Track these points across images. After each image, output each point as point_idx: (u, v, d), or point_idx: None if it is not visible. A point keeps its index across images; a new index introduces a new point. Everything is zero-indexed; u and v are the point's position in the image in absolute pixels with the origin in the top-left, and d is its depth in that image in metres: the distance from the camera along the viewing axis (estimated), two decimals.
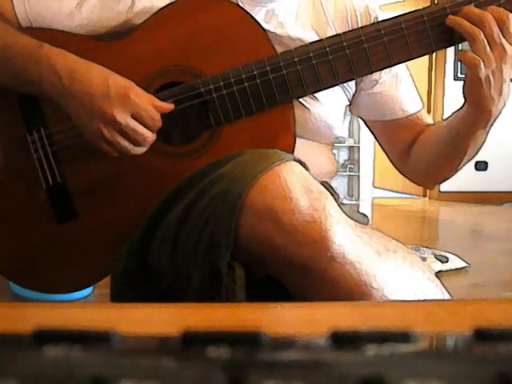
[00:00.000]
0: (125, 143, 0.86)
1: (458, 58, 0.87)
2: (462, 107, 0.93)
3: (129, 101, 0.84)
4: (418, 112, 1.04)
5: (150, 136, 0.87)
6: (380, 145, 1.11)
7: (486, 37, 0.84)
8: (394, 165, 1.10)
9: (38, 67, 0.86)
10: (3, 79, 0.91)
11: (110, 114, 0.84)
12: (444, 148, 0.98)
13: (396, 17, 0.90)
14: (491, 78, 0.85)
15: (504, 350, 0.20)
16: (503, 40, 0.84)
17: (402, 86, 1.03)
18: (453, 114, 0.96)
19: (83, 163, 0.93)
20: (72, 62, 0.87)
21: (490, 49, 0.84)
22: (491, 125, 0.92)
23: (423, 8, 0.90)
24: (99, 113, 0.84)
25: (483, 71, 0.84)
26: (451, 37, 0.89)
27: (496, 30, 0.84)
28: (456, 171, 1.01)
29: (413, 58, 0.91)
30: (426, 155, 1.02)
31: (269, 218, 0.69)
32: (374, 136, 1.10)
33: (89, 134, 0.87)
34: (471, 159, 0.99)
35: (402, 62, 0.93)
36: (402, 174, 1.11)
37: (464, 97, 0.90)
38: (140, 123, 0.86)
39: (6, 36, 0.90)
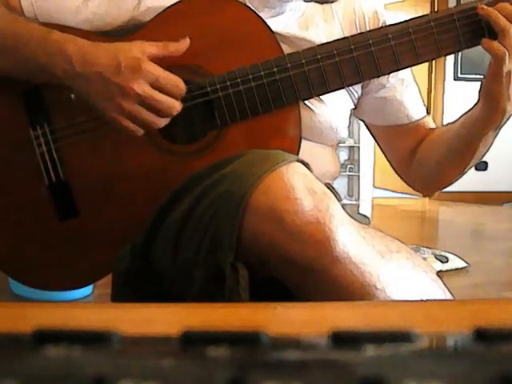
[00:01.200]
0: (149, 115, 0.83)
1: (483, 46, 0.87)
2: (473, 107, 0.93)
3: (142, 71, 0.82)
4: (422, 118, 1.04)
5: (176, 104, 0.84)
6: (381, 150, 1.11)
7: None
8: (395, 170, 1.10)
9: (48, 54, 0.86)
10: (14, 68, 0.90)
11: (128, 87, 0.82)
12: (453, 150, 0.98)
13: (404, 21, 0.90)
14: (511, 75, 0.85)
15: (504, 350, 0.20)
16: None
17: (408, 92, 1.03)
18: (462, 115, 0.96)
19: (86, 160, 0.93)
20: (82, 45, 0.86)
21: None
22: (501, 127, 0.92)
23: (430, 13, 0.90)
24: (116, 90, 0.82)
25: (507, 65, 0.84)
26: (458, 42, 0.89)
27: None
28: (461, 175, 1.01)
29: (420, 63, 0.91)
30: (433, 159, 1.02)
31: (272, 219, 0.69)
32: (376, 141, 1.10)
33: (110, 113, 0.84)
34: (477, 162, 0.99)
35: (409, 67, 0.93)
36: (403, 179, 1.10)
37: (480, 92, 0.90)
38: (162, 92, 0.83)
39: (15, 24, 0.89)
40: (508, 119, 0.91)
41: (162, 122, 0.85)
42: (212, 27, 0.92)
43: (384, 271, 0.71)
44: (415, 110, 1.04)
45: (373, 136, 1.11)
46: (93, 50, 0.85)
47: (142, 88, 0.82)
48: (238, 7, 0.92)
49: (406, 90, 1.02)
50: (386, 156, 1.11)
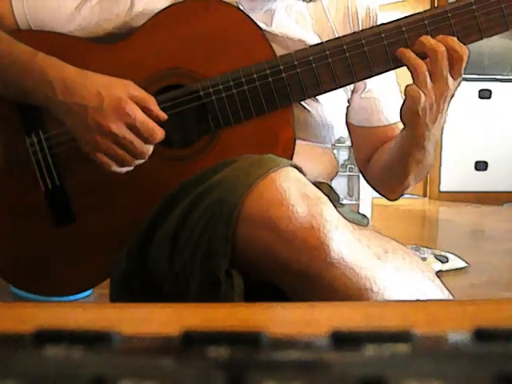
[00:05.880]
0: (123, 153, 0.85)
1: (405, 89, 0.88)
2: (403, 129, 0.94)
3: (123, 113, 0.83)
4: (397, 123, 1.03)
5: (149, 149, 0.86)
6: (352, 146, 1.11)
7: (431, 70, 0.84)
8: (359, 169, 1.11)
9: (31, 78, 0.86)
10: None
11: (106, 125, 0.83)
12: (390, 161, 0.99)
13: (397, 20, 0.89)
14: (428, 109, 0.85)
15: (504, 349, 0.20)
16: (449, 75, 0.84)
17: (389, 95, 1.03)
18: (399, 133, 0.97)
19: (82, 166, 0.93)
20: (66, 72, 0.86)
21: (432, 82, 0.84)
22: (434, 143, 0.92)
23: (424, 11, 0.90)
24: (94, 125, 0.83)
25: (422, 104, 0.85)
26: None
27: (445, 64, 0.84)
28: (404, 188, 1.02)
29: None
30: (379, 165, 1.03)
31: (266, 226, 0.69)
32: (350, 135, 1.10)
33: (85, 146, 0.86)
34: (421, 177, 1.00)
35: (403, 65, 0.92)
36: (365, 179, 1.11)
37: (401, 118, 0.91)
38: (137, 136, 0.85)
39: (0, 45, 0.90)
40: (438, 138, 0.92)
41: (135, 163, 0.87)
42: (204, 30, 0.92)
43: (380, 273, 0.71)
44: (392, 112, 1.03)
45: (348, 131, 1.10)
46: (77, 80, 0.85)
47: (119, 129, 0.83)
48: (230, 10, 0.91)
49: (386, 90, 1.02)
50: (354, 152, 1.11)
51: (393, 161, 0.98)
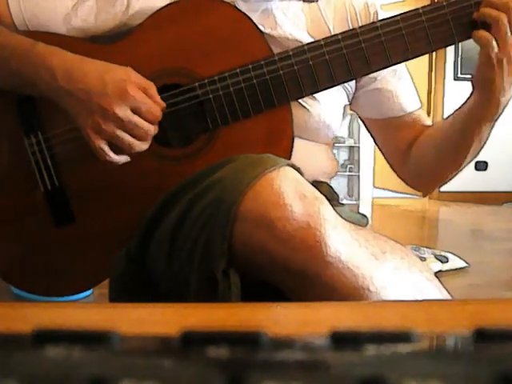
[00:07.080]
0: (127, 138, 0.84)
1: (473, 37, 0.86)
2: (467, 100, 0.91)
3: (127, 95, 0.83)
4: (416, 111, 1.03)
5: (152, 129, 0.86)
6: (378, 146, 1.10)
7: (509, 22, 0.83)
8: (392, 167, 1.09)
9: (32, 67, 0.86)
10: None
11: (110, 109, 0.82)
12: (448, 145, 0.96)
13: (394, 16, 0.89)
14: (505, 63, 0.84)
15: (504, 349, 0.20)
16: None
17: (401, 84, 1.02)
18: (455, 111, 0.95)
19: (81, 167, 0.93)
20: (67, 59, 0.86)
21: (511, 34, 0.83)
22: (496, 120, 0.90)
23: (422, 6, 0.90)
24: (98, 110, 0.83)
25: (495, 51, 0.83)
26: (450, 36, 0.89)
27: None
28: (457, 172, 1.00)
29: (411, 58, 0.91)
30: (429, 155, 1.00)
31: (263, 226, 0.69)
32: (372, 136, 1.09)
33: (87, 130, 0.85)
34: (473, 159, 0.97)
35: (400, 62, 0.92)
36: (400, 177, 1.09)
37: (473, 84, 0.88)
38: (141, 117, 0.84)
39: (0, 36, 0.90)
40: (502, 111, 0.89)
41: (140, 146, 0.86)
42: (201, 29, 0.92)
43: (378, 273, 0.71)
44: (409, 101, 1.02)
45: (369, 131, 1.09)
46: (79, 66, 0.85)
47: (124, 112, 0.83)
48: (227, 8, 0.91)
49: (398, 81, 1.01)
50: (382, 152, 1.09)
51: (450, 144, 0.95)
